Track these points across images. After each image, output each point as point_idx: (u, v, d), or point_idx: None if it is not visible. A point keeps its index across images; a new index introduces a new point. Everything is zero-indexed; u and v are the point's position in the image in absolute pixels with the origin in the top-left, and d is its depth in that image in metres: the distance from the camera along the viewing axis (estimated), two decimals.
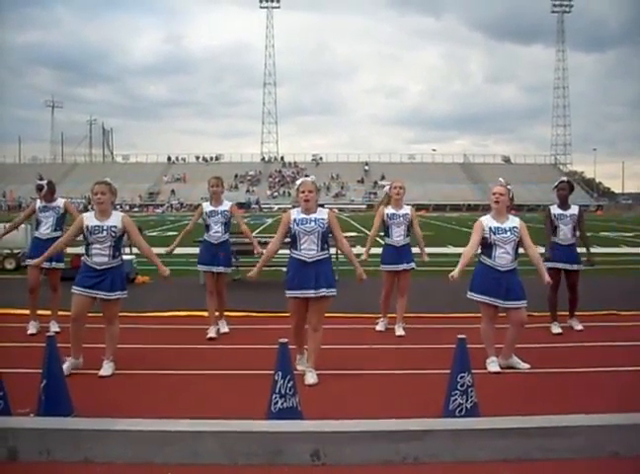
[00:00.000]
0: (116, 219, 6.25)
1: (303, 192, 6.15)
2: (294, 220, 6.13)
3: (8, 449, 1.34)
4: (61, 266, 8.17)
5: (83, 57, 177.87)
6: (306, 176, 6.50)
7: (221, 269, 8.03)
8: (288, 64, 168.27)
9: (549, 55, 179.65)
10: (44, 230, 8.13)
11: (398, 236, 8.09)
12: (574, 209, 8.27)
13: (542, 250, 8.45)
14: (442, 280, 13.02)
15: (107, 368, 6.23)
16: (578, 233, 8.29)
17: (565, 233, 8.15)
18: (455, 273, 6.11)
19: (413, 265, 8.18)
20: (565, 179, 8.61)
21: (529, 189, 74.60)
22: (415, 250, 8.25)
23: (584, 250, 8.33)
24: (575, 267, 8.16)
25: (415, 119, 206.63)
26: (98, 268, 6.16)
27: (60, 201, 8.21)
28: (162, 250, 8.43)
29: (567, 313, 8.41)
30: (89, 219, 6.23)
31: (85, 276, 6.20)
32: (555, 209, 8.25)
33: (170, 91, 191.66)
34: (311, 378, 5.98)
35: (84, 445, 1.34)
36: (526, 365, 6.43)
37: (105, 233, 6.16)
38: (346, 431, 1.33)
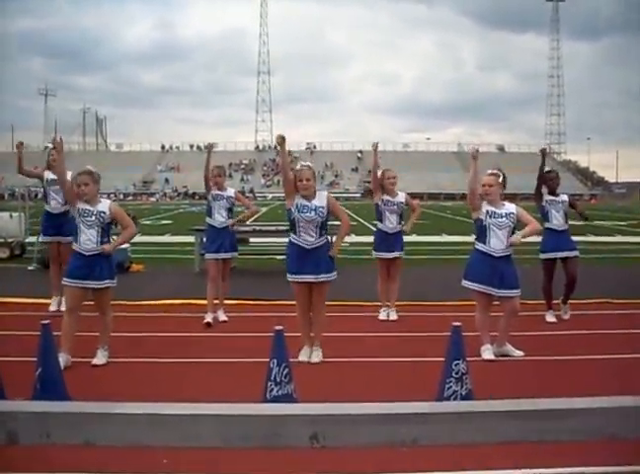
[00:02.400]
0: (104, 206, 6.25)
1: (301, 180, 6.18)
2: (296, 205, 6.20)
3: (7, 433, 1.34)
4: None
5: (76, 45, 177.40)
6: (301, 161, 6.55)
7: (228, 255, 8.10)
8: (282, 52, 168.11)
9: (542, 44, 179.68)
10: (55, 204, 8.46)
11: (391, 223, 8.21)
12: (564, 196, 8.31)
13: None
14: (438, 269, 13.11)
15: (101, 357, 6.24)
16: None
17: (558, 218, 8.15)
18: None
19: (401, 253, 8.33)
20: (551, 169, 8.67)
21: (524, 177, 74.52)
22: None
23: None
24: (573, 253, 8.17)
25: (409, 108, 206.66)
26: (86, 254, 6.13)
27: (68, 174, 7.72)
28: (162, 238, 8.43)
29: (561, 301, 8.36)
30: (80, 202, 6.23)
31: (75, 265, 6.20)
32: (546, 195, 8.25)
33: (163, 79, 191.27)
34: (316, 357, 6.24)
35: (84, 428, 1.34)
36: (520, 353, 6.46)
37: (93, 217, 6.15)
38: (345, 413, 1.33)
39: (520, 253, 6.74)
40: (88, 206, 6.18)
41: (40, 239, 8.76)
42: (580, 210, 8.77)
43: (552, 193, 8.25)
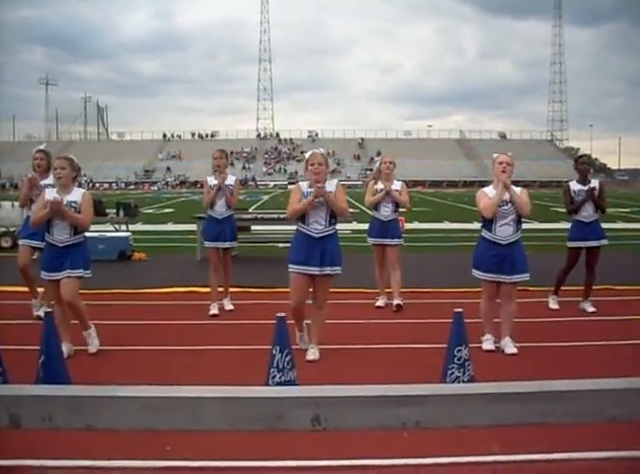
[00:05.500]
0: (76, 195, 6.08)
1: (313, 164, 5.99)
2: (303, 194, 6.01)
3: (10, 416, 1.35)
4: None
5: (76, 34, 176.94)
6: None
7: (227, 244, 7.96)
8: (283, 40, 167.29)
9: (544, 30, 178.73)
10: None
11: (386, 211, 8.08)
12: (594, 183, 7.95)
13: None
14: (440, 256, 13.10)
15: (91, 342, 6.14)
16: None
17: (587, 209, 7.87)
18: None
19: (397, 241, 8.12)
20: (584, 153, 8.47)
21: (526, 165, 74.42)
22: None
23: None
24: (602, 242, 7.96)
25: (410, 95, 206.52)
26: (60, 245, 6.01)
27: (51, 179, 7.27)
28: (164, 227, 8.36)
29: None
30: (50, 194, 6.08)
31: (48, 258, 6.09)
32: (575, 185, 7.96)
33: (164, 68, 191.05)
34: (312, 355, 5.94)
35: (86, 412, 1.35)
36: (514, 350, 6.12)
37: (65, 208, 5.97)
38: (346, 395, 1.33)
39: (537, 240, 6.62)
40: (58, 197, 5.99)
41: (21, 242, 8.13)
42: (599, 204, 7.96)
43: (583, 179, 7.95)
